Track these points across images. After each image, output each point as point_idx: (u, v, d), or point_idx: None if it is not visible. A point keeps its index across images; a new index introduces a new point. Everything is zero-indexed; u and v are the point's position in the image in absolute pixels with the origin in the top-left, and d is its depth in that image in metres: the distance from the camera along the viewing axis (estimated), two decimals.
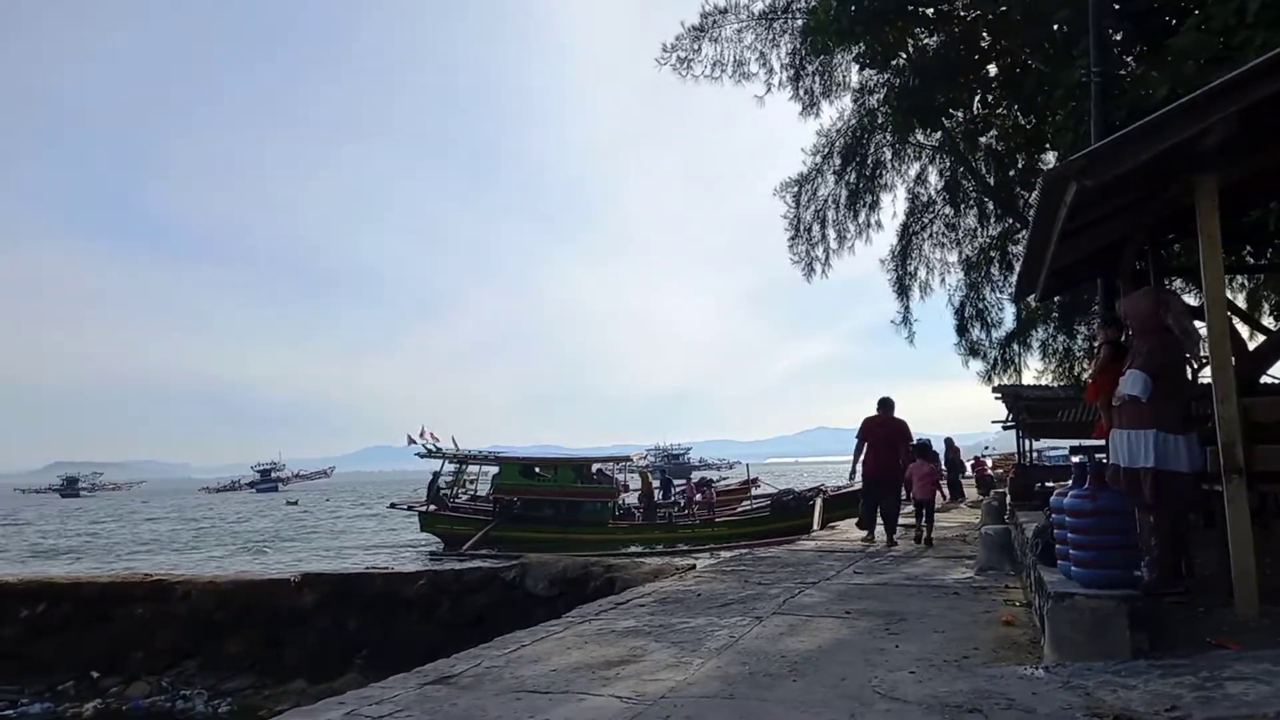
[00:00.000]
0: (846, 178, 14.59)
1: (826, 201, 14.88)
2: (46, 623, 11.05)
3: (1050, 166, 9.59)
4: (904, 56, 11.61)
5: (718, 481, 38.20)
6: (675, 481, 41.81)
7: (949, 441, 22.72)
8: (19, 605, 11.19)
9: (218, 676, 10.36)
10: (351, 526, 39.16)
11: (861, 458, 10.18)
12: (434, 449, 27.78)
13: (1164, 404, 4.73)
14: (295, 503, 63.14)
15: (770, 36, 13.40)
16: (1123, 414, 4.93)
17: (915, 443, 10.67)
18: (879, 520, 10.30)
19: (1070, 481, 4.35)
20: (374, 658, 10.00)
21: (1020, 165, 12.52)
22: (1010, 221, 14.11)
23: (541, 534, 24.45)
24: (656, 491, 30.58)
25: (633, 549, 22.13)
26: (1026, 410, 17.63)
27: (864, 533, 10.69)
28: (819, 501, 22.40)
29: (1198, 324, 5.12)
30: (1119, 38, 8.88)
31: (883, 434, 10.07)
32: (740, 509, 28.27)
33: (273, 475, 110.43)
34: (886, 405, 10.29)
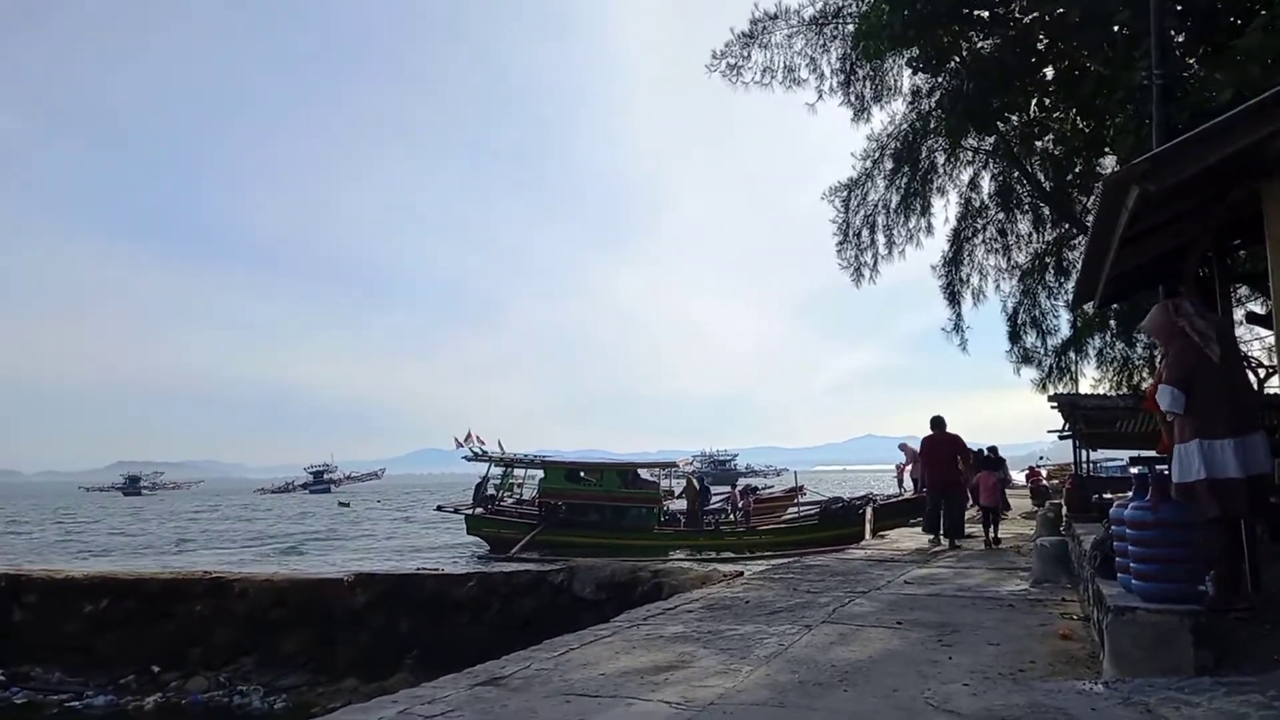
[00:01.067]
0: (897, 183, 14.44)
1: (876, 206, 14.75)
2: (110, 617, 11.39)
3: (1110, 171, 9.39)
4: (957, 60, 11.46)
5: (764, 489, 37.81)
6: (713, 490, 41.39)
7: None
8: (84, 600, 11.55)
9: (273, 673, 10.59)
10: (399, 528, 39.73)
11: (923, 471, 11.60)
12: (480, 452, 28.04)
13: (1201, 411, 4.51)
14: (347, 504, 64.19)
15: (821, 42, 13.33)
16: (1171, 429, 4.75)
17: (985, 454, 12.54)
18: (942, 525, 11.18)
19: (1130, 493, 4.25)
20: (424, 658, 10.14)
21: (1077, 169, 12.27)
22: (1066, 227, 13.83)
23: (587, 539, 24.54)
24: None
25: (678, 555, 22.09)
26: (1084, 420, 17.22)
27: (929, 536, 11.53)
28: (869, 510, 22.11)
29: (1261, 330, 5.00)
30: (1181, 39, 8.66)
31: (941, 449, 11.20)
32: (787, 517, 28.01)
33: (325, 477, 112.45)
34: (939, 424, 11.28)
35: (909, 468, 21.30)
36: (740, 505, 28.74)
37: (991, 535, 10.98)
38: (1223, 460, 4.42)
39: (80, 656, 11.15)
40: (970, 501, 12.05)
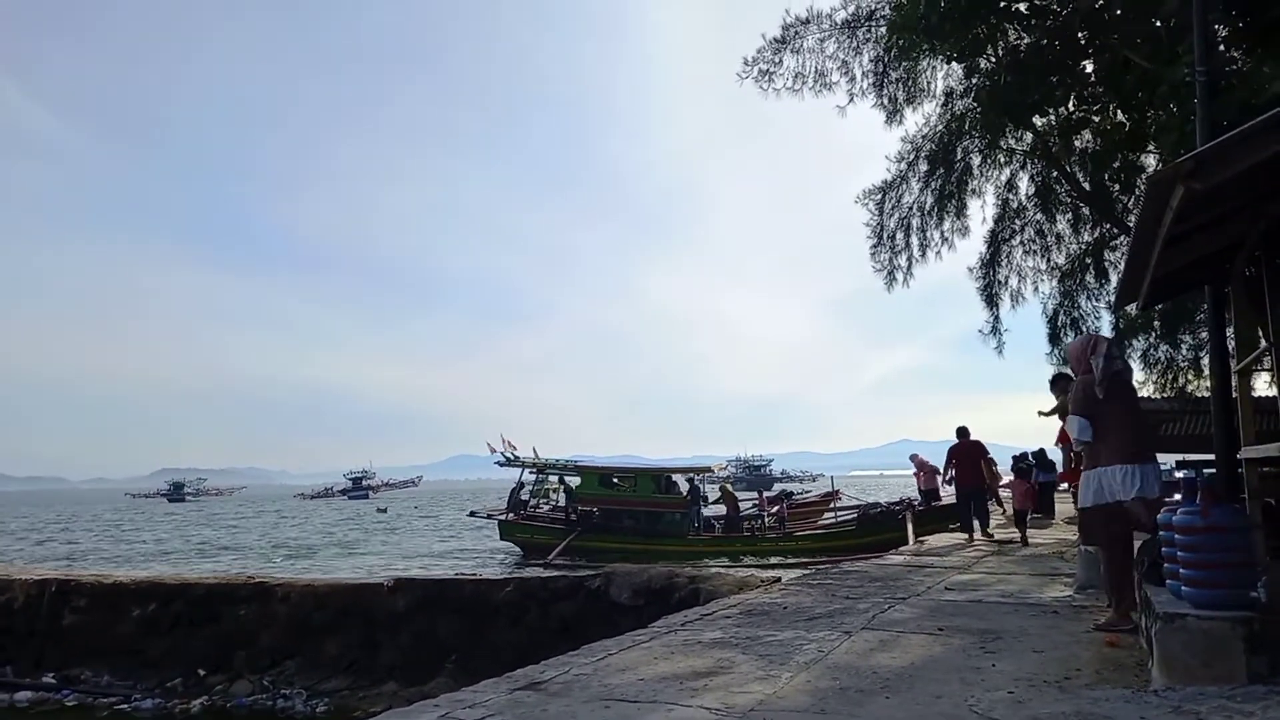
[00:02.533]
0: (932, 184, 14.30)
1: (911, 209, 14.61)
2: (157, 621, 11.61)
3: (1153, 169, 9.22)
4: (995, 55, 11.31)
5: (800, 494, 37.51)
6: (743, 496, 40.95)
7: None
8: (132, 604, 11.78)
9: (315, 677, 10.72)
10: (435, 534, 40.05)
11: (953, 475, 12.97)
12: (513, 457, 28.17)
13: (1107, 439, 5.01)
14: (385, 510, 64.88)
15: (853, 45, 13.23)
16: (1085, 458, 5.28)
17: (1030, 459, 14.72)
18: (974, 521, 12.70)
19: (1178, 497, 4.18)
20: (463, 662, 10.21)
21: (1118, 167, 12.06)
22: (1107, 227, 13.60)
23: (621, 544, 24.54)
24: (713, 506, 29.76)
25: (713, 561, 22.01)
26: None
27: (965, 535, 12.71)
28: (909, 515, 21.88)
29: None
30: (1226, 31, 8.48)
31: (966, 455, 12.80)
32: (824, 522, 27.78)
33: (364, 483, 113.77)
34: (964, 433, 13.03)
35: (922, 476, 21.40)
36: (773, 511, 28.51)
37: (1022, 535, 11.96)
38: (1115, 485, 4.93)
39: (129, 659, 11.38)
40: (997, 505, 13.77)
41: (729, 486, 31.85)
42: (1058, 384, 8.48)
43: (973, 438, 12.94)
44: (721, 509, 28.73)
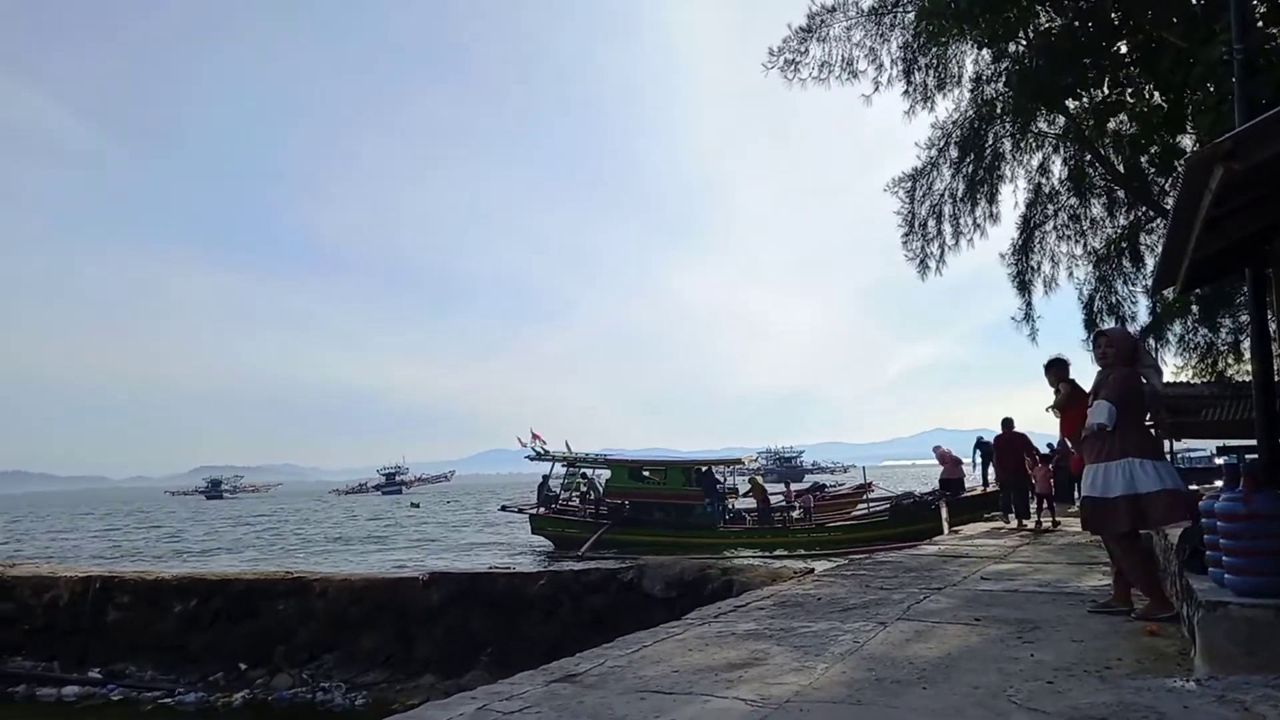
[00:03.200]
0: (963, 170, 14.13)
1: (942, 196, 14.46)
2: (198, 617, 11.82)
3: (1189, 151, 9.05)
4: (1026, 38, 11.14)
5: (832, 486, 37.31)
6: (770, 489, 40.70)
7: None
8: (174, 600, 12.01)
9: (353, 670, 10.87)
10: (467, 528, 40.41)
11: (995, 465, 14.04)
12: (543, 451, 28.32)
13: (1127, 432, 5.04)
14: (418, 505, 65.54)
15: (880, 32, 13.11)
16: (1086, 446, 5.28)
17: (1050, 449, 14.78)
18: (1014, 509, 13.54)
19: (1220, 483, 4.12)
20: (498, 655, 10.30)
21: (1154, 150, 11.84)
22: (1143, 210, 13.37)
23: (653, 537, 24.60)
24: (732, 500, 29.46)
25: (745, 553, 21.99)
26: (1167, 409, 16.64)
27: (1005, 522, 13.65)
28: (943, 506, 21.72)
29: None
30: (1264, 8, 8.30)
31: (1009, 446, 13.34)
32: (856, 513, 27.66)
33: (397, 479, 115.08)
34: (1008, 424, 13.53)
35: (944, 467, 21.39)
36: (798, 503, 28.41)
37: (1052, 519, 13.20)
38: (1145, 477, 4.94)
39: (171, 654, 11.60)
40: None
41: (759, 479, 31.80)
42: (1053, 369, 7.47)
43: (1016, 430, 13.47)
44: (753, 501, 28.71)
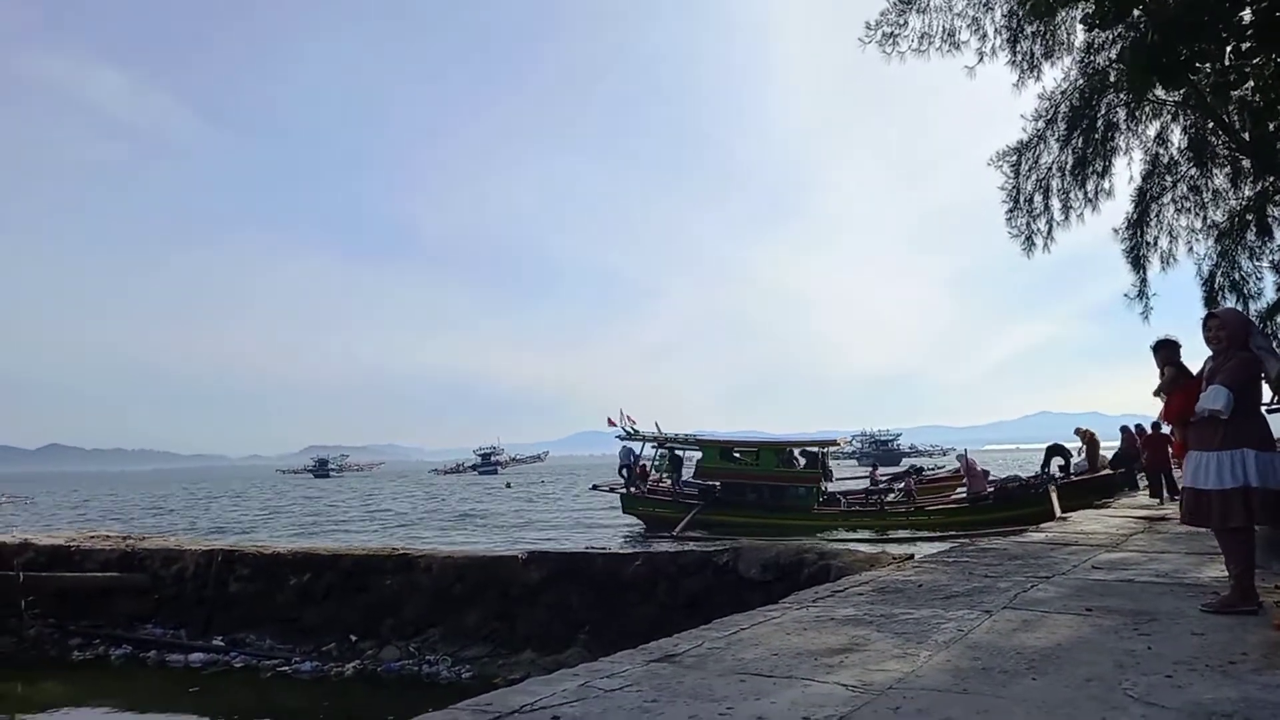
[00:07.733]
0: (1073, 143, 13.52)
1: (1049, 169, 13.87)
2: (313, 590, 12.41)
3: None
4: (1140, 9, 10.53)
5: (931, 470, 36.37)
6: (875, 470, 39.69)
7: (1124, 430, 20.49)
8: (290, 574, 12.64)
9: (458, 644, 11.23)
10: (562, 507, 41.13)
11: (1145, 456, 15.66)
12: (633, 432, 28.51)
13: (1240, 422, 4.87)
14: (510, 486, 67.08)
15: (984, 0, 12.63)
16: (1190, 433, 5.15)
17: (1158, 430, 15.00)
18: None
19: None
20: (596, 634, 10.48)
21: None
22: (1270, 180, 12.55)
23: (746, 518, 24.53)
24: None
25: (840, 536, 21.73)
26: None
27: (1154, 501, 14.52)
28: (1053, 490, 20.95)
29: None
30: None
31: (1155, 441, 14.89)
32: (956, 496, 26.94)
33: (492, 459, 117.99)
34: (1156, 426, 14.73)
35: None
36: (899, 486, 27.86)
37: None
38: (1262, 470, 4.81)
39: (288, 626, 12.22)
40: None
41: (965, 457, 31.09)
42: (1161, 350, 6.72)
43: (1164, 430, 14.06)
44: (849, 484, 28.34)
